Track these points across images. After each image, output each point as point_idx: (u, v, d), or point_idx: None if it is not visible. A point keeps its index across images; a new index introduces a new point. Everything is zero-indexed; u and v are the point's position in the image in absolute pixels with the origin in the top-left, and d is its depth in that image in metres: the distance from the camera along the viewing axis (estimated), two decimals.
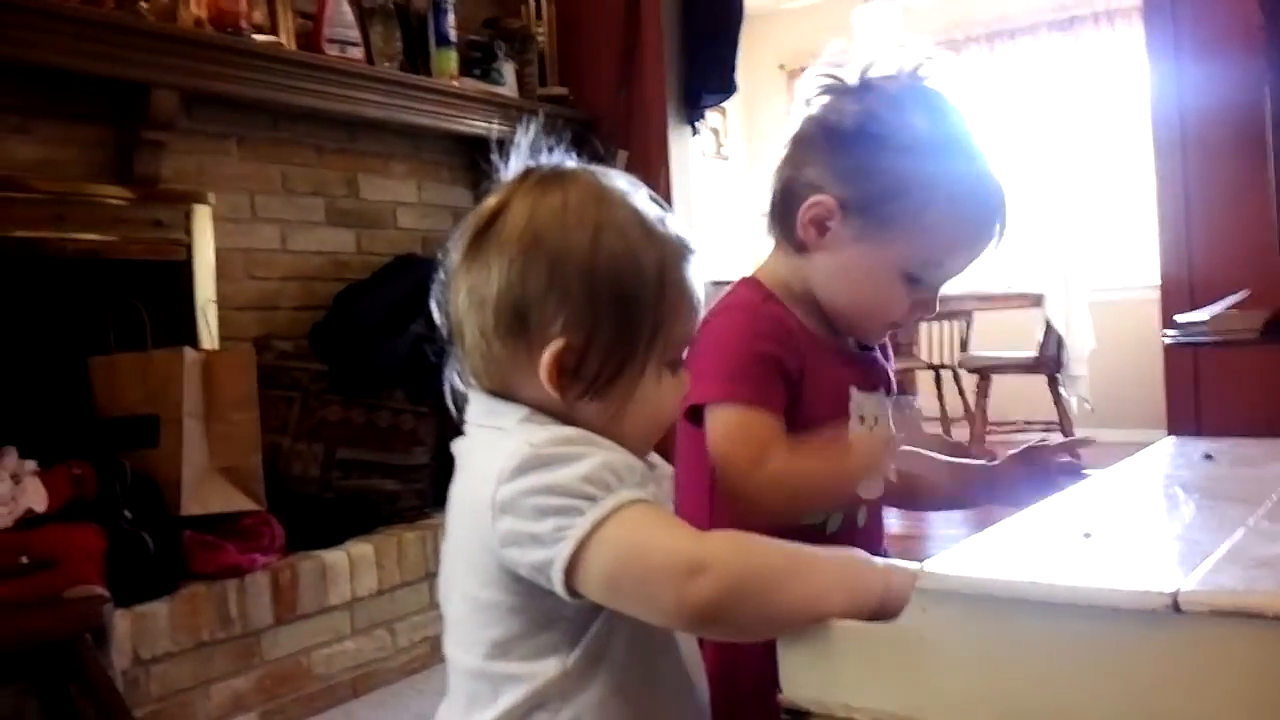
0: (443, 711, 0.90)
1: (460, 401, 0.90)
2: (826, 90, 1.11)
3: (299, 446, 2.81)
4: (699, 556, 0.75)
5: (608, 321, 0.84)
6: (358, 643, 2.61)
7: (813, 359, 1.09)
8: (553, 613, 0.81)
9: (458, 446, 0.89)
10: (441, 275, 0.90)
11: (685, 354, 0.91)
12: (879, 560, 0.80)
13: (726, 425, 1.04)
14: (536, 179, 0.89)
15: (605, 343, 0.84)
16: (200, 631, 2.25)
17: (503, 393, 0.87)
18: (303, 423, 2.83)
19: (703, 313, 0.91)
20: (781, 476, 1.00)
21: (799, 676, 0.75)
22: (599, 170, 0.91)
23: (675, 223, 0.90)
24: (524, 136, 0.92)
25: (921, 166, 1.04)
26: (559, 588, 0.77)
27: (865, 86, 1.09)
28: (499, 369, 0.87)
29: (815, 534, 1.08)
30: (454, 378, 0.91)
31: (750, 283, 1.14)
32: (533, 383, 0.84)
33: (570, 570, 0.76)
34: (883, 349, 1.23)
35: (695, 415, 1.06)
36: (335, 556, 2.58)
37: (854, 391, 1.12)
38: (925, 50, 1.11)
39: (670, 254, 0.87)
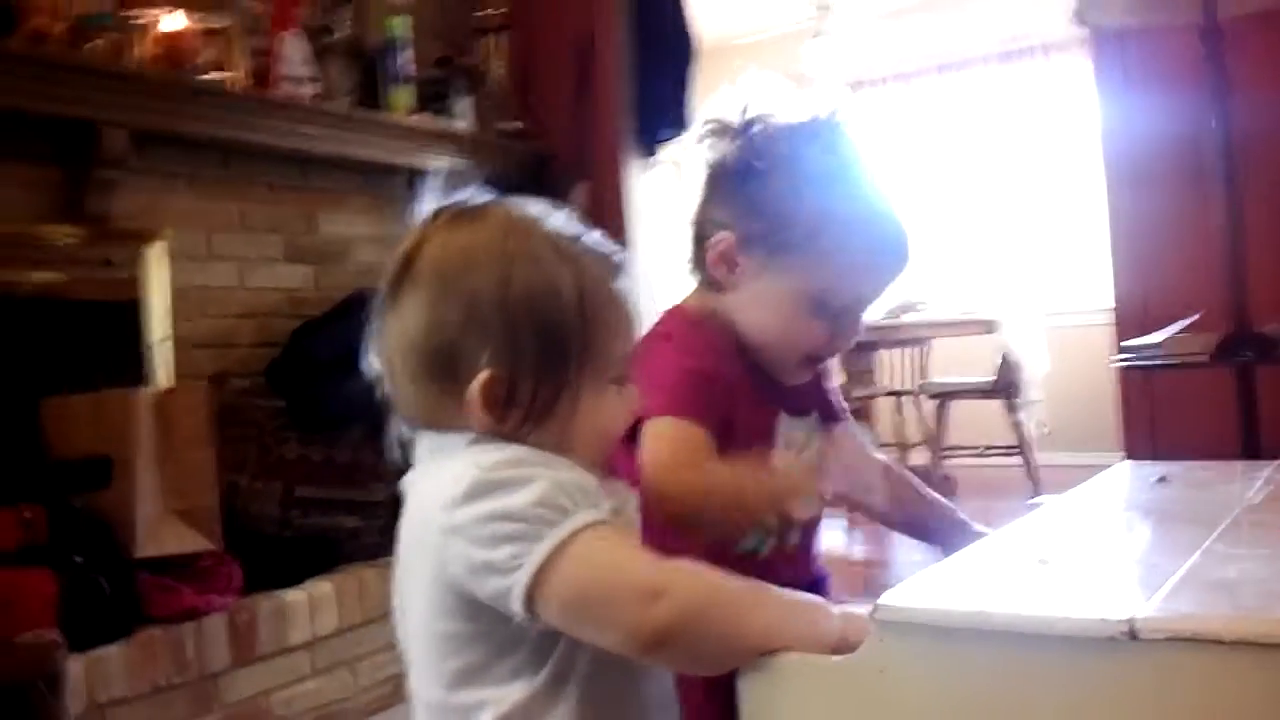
0: None
1: (406, 446, 0.90)
2: (712, 134, 1.14)
3: (257, 485, 2.78)
4: (659, 582, 0.75)
5: (532, 352, 0.83)
6: (319, 683, 2.58)
7: (740, 385, 1.11)
8: (515, 637, 0.80)
9: (406, 481, 0.88)
10: (374, 323, 0.89)
11: (626, 370, 0.90)
12: (836, 609, 0.79)
13: (658, 436, 1.04)
14: (447, 218, 0.88)
15: (533, 373, 0.83)
16: (157, 675, 2.21)
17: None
18: (260, 461, 2.79)
19: (642, 324, 0.90)
20: (698, 485, 1.01)
21: (759, 710, 0.74)
22: (511, 202, 0.90)
23: (597, 240, 0.89)
24: (435, 174, 0.91)
25: (807, 195, 1.06)
26: (518, 615, 0.76)
27: (748, 124, 1.12)
28: (434, 414, 0.86)
29: (747, 559, 1.09)
30: (398, 424, 0.90)
31: (676, 312, 1.17)
32: (469, 422, 0.83)
33: (530, 596, 0.75)
34: (820, 375, 1.24)
35: (631, 433, 1.05)
36: (295, 596, 2.54)
37: (783, 417, 1.14)
38: (831, 94, 1.14)
39: (590, 273, 0.86)
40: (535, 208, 0.89)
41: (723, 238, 1.11)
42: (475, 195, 0.90)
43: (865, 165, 1.09)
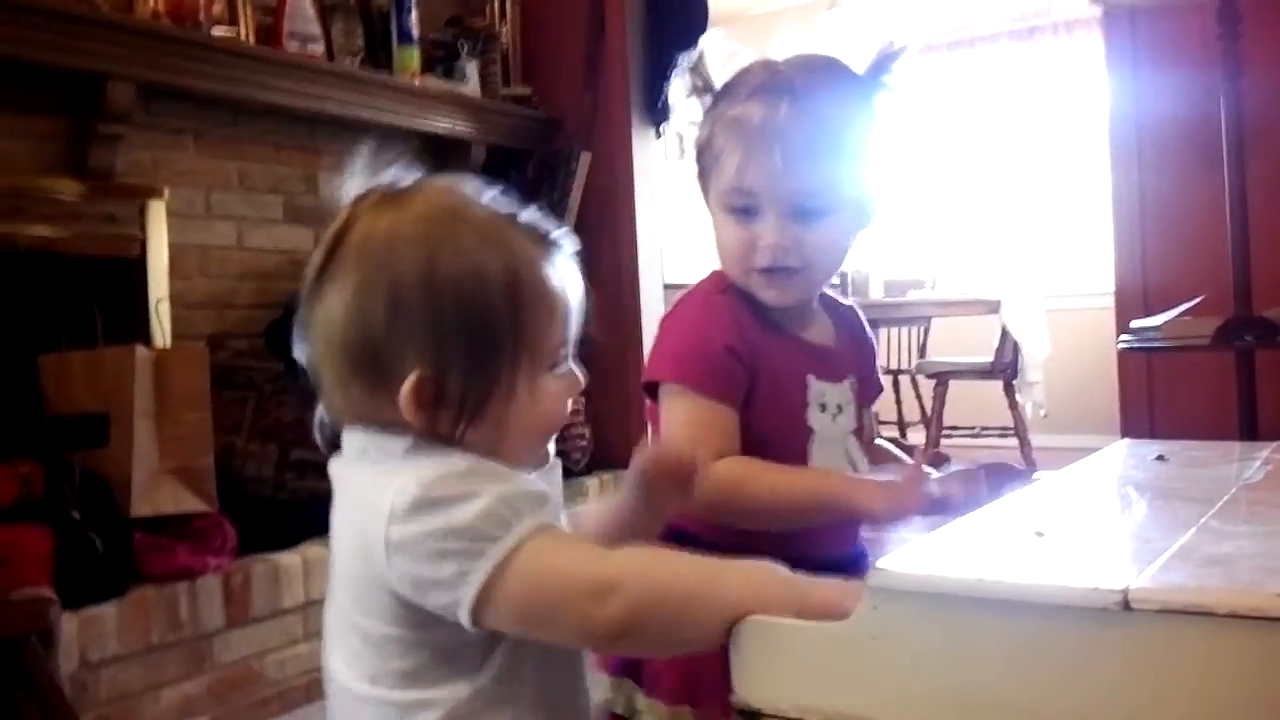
0: None
1: (327, 434, 0.86)
2: (691, 91, 1.20)
3: (253, 447, 2.78)
4: (606, 577, 0.75)
5: (460, 346, 0.80)
6: (311, 646, 2.58)
7: (765, 348, 1.13)
8: (457, 641, 0.79)
9: (336, 470, 0.85)
10: (300, 311, 0.85)
11: (567, 352, 0.88)
12: (800, 577, 0.78)
13: (681, 415, 1.09)
14: (375, 200, 0.84)
15: (462, 368, 0.80)
16: (150, 634, 2.21)
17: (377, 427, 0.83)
18: (257, 423, 2.79)
19: (577, 308, 0.88)
20: (730, 486, 1.04)
21: (750, 677, 0.74)
22: (442, 182, 0.87)
23: (532, 219, 0.86)
24: (361, 153, 0.87)
25: (711, 110, 1.15)
26: (466, 625, 0.76)
27: (700, 64, 1.19)
28: (362, 411, 0.83)
29: (791, 534, 1.09)
30: (321, 412, 0.87)
31: (716, 274, 1.19)
32: (401, 420, 0.81)
33: (477, 609, 0.75)
34: (859, 340, 1.26)
35: (652, 391, 1.12)
36: (289, 559, 2.54)
37: (812, 380, 1.15)
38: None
39: (522, 257, 0.83)
40: (467, 186, 0.86)
41: (696, 174, 1.19)
42: (405, 173, 0.87)
43: (772, 73, 1.12)
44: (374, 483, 0.79)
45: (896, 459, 1.29)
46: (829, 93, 1.11)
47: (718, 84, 1.17)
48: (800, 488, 1.07)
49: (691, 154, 1.20)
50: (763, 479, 1.06)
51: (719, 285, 1.17)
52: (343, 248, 0.82)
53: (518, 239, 0.84)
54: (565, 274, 0.86)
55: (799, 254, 1.11)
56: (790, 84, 1.10)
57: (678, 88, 1.19)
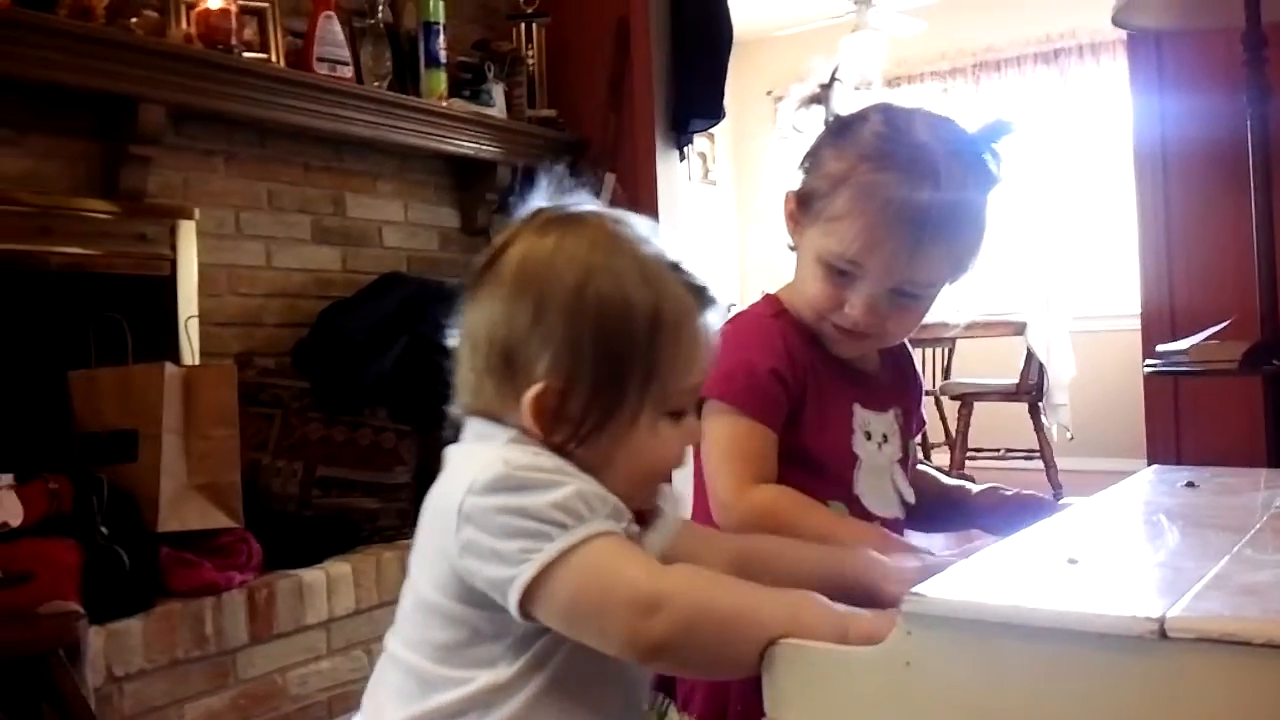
0: (365, 700, 0.90)
1: (458, 428, 0.91)
2: (806, 101, 1.18)
3: (279, 464, 2.80)
4: (656, 594, 0.76)
5: (592, 365, 0.83)
6: (334, 662, 2.59)
7: (813, 375, 1.13)
8: (499, 627, 0.81)
9: (447, 452, 0.89)
10: (458, 309, 0.90)
11: (692, 403, 0.90)
12: (842, 608, 0.78)
13: (721, 432, 1.08)
14: (542, 220, 0.88)
15: (589, 387, 0.83)
16: (175, 649, 2.23)
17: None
18: (283, 440, 2.81)
19: (710, 364, 0.91)
20: (770, 514, 1.04)
21: (784, 700, 0.74)
22: (614, 214, 0.90)
23: (693, 270, 0.88)
24: (546, 175, 0.92)
25: (843, 160, 1.10)
26: (513, 608, 0.78)
27: (828, 88, 1.16)
28: (489, 406, 0.87)
29: None
30: (455, 406, 0.91)
31: (768, 298, 1.20)
32: (521, 422, 0.85)
33: (528, 593, 0.77)
34: (905, 373, 1.26)
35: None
36: (313, 575, 2.55)
37: (857, 408, 1.16)
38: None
39: (672, 301, 0.85)
40: (638, 225, 0.89)
41: (789, 194, 1.15)
42: (579, 201, 0.91)
43: (911, 146, 1.08)
44: (468, 455, 0.85)
45: (939, 485, 1.28)
46: (966, 187, 1.08)
47: (840, 109, 1.15)
48: (841, 539, 1.01)
49: (794, 168, 1.16)
50: (807, 519, 1.05)
51: (773, 308, 1.17)
52: (503, 259, 0.87)
53: (674, 284, 0.87)
54: (710, 330, 0.89)
55: (880, 326, 1.11)
56: (935, 169, 1.06)
57: (794, 94, 1.17)
